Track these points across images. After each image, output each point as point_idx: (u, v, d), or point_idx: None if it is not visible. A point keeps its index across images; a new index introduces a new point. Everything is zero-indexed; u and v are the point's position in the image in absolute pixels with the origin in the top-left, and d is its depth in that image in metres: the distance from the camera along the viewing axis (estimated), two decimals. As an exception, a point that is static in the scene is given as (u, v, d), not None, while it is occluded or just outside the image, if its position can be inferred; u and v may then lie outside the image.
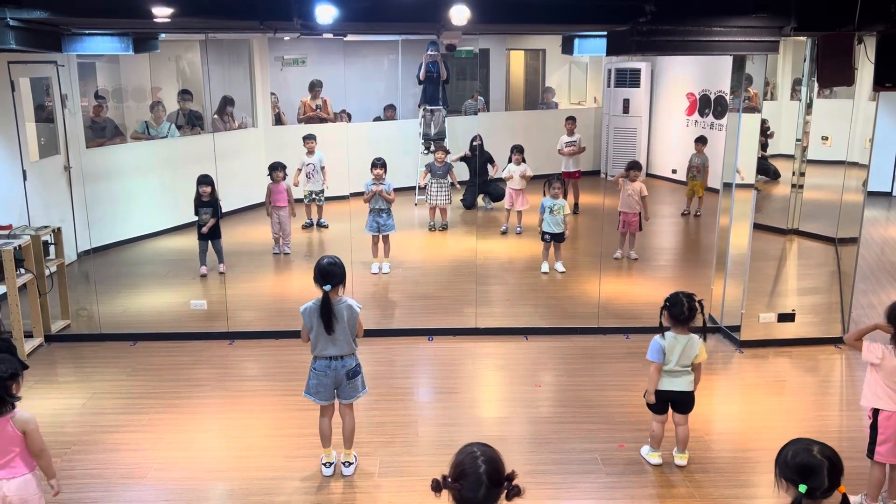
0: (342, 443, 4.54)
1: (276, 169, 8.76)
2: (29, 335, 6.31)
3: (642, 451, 4.68)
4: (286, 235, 8.86)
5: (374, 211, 8.05)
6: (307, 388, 4.45)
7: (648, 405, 4.57)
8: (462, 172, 10.92)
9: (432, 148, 10.98)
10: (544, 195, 8.13)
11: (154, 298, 7.61)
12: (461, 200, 11.02)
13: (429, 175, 9.90)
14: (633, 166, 8.72)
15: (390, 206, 8.07)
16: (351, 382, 4.41)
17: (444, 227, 9.96)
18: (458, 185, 10.18)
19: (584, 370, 5.96)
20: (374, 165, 8.08)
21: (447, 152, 10.05)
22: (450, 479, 2.40)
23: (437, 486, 2.40)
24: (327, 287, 4.22)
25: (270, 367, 6.05)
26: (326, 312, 4.23)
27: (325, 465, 4.49)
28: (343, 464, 4.51)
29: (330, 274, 4.25)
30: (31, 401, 5.38)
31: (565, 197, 8.29)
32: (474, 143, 10.50)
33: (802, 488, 2.52)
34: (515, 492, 2.40)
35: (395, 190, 11.29)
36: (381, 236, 8.13)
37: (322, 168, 9.57)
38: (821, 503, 2.58)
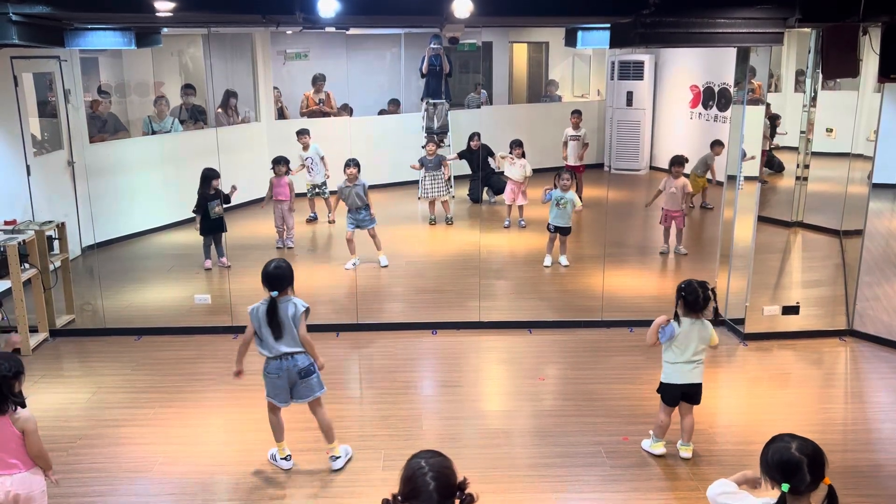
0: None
1: (279, 163, 8.76)
2: (34, 330, 6.33)
3: (644, 445, 4.68)
4: (289, 229, 8.87)
5: (351, 210, 8.02)
6: (267, 391, 4.42)
7: (663, 398, 4.55)
8: (465, 168, 10.92)
9: (435, 140, 10.98)
10: (554, 186, 8.07)
11: (158, 293, 7.62)
12: (468, 195, 11.02)
13: (423, 169, 9.88)
14: (677, 161, 8.47)
15: (367, 203, 8.01)
16: (304, 382, 4.34)
17: (449, 221, 9.93)
18: (451, 179, 10.12)
19: (587, 363, 5.96)
20: (347, 165, 8.00)
21: (438, 145, 10.02)
22: (400, 498, 2.35)
23: None
24: (274, 293, 4.22)
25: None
26: (273, 317, 4.22)
27: (284, 458, 4.48)
28: (330, 458, 4.49)
29: (277, 278, 4.25)
30: (37, 395, 5.41)
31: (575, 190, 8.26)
32: (472, 143, 10.46)
33: (785, 487, 2.53)
34: (468, 500, 2.36)
35: (398, 184, 11.40)
36: (366, 231, 8.09)
37: (322, 158, 9.56)
38: (808, 497, 2.57)
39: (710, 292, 4.39)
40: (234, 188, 7.98)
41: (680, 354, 4.44)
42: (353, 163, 7.97)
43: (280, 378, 4.33)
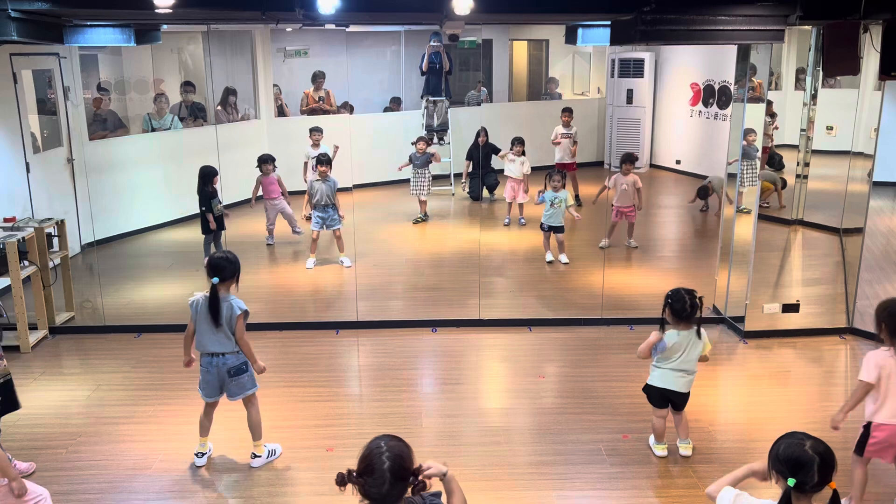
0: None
1: (266, 161, 8.68)
2: (33, 327, 6.33)
3: (650, 441, 4.67)
4: (290, 217, 8.87)
5: (318, 206, 8.01)
6: (199, 384, 4.44)
7: (649, 398, 4.55)
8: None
9: (435, 139, 10.97)
10: (545, 188, 8.12)
11: (158, 290, 7.62)
12: (468, 192, 11.02)
13: (411, 166, 9.86)
14: (627, 159, 8.58)
15: (335, 202, 8.02)
16: (235, 380, 4.36)
17: (424, 218, 9.93)
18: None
19: (587, 361, 5.96)
20: (319, 162, 7.98)
21: (427, 143, 10.03)
22: (355, 474, 2.40)
23: (341, 480, 2.40)
24: (215, 280, 4.23)
25: (274, 358, 6.05)
26: (213, 306, 4.23)
27: (197, 454, 4.49)
28: (251, 455, 4.50)
29: (219, 268, 4.26)
30: (36, 392, 5.41)
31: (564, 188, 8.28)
32: (479, 139, 10.47)
33: (791, 482, 2.53)
34: (421, 486, 2.42)
35: (398, 182, 11.37)
36: (332, 232, 8.09)
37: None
38: (810, 497, 2.58)
39: (697, 300, 4.38)
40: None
41: (666, 361, 4.44)
42: (325, 159, 8.00)
43: (209, 373, 4.35)
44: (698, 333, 4.41)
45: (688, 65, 12.70)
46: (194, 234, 8.23)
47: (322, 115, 11.21)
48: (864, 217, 6.28)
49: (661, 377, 4.47)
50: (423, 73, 11.18)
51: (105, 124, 9.50)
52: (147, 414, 5.12)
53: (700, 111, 12.45)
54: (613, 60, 13.27)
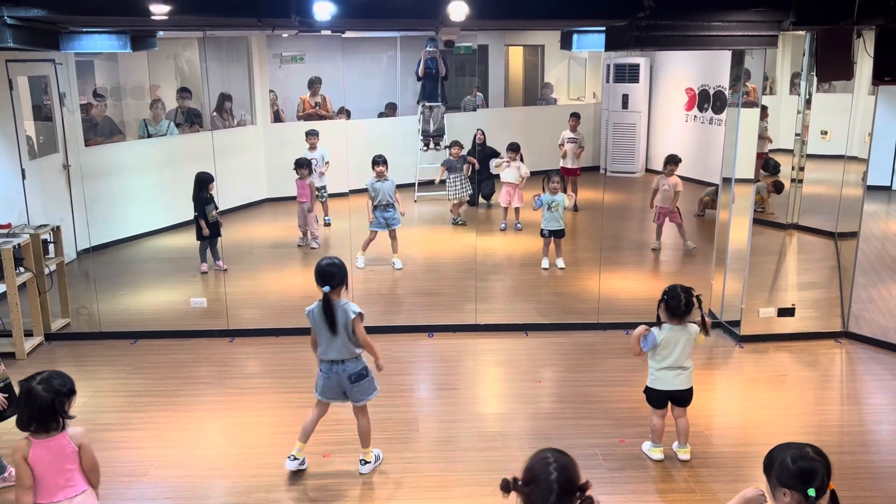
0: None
1: (301, 166, 8.81)
2: (29, 334, 6.31)
3: (644, 448, 4.68)
4: (312, 230, 8.92)
5: (379, 207, 8.06)
6: (316, 387, 4.47)
7: (648, 400, 4.57)
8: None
9: (431, 144, 10.98)
10: (543, 191, 8.12)
11: (154, 296, 7.61)
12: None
13: (446, 171, 9.86)
14: (671, 160, 8.63)
15: (395, 202, 8.09)
16: (356, 386, 4.39)
17: (464, 222, 9.98)
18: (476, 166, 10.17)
19: (584, 366, 5.96)
20: (375, 163, 8.05)
21: (461, 146, 10.06)
22: (520, 483, 2.38)
23: (506, 487, 2.37)
24: (326, 288, 4.22)
25: (271, 364, 6.06)
26: (329, 314, 4.23)
27: (289, 458, 4.45)
28: (360, 461, 4.51)
29: (328, 275, 4.23)
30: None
31: (564, 192, 8.29)
32: (476, 140, 10.50)
33: (811, 492, 2.49)
34: (588, 502, 2.37)
35: (396, 187, 11.39)
36: (388, 232, 8.14)
37: (326, 163, 9.60)
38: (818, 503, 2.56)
39: (694, 299, 4.39)
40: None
41: (662, 361, 4.45)
42: (381, 160, 8.06)
43: (329, 379, 4.37)
44: (706, 332, 4.44)
45: (683, 70, 12.75)
46: (190, 240, 8.22)
47: (318, 120, 11.23)
48: (858, 221, 6.30)
49: (659, 380, 4.48)
50: (419, 79, 11.20)
51: (101, 130, 9.49)
52: (143, 420, 5.11)
53: (695, 116, 12.49)
54: (609, 66, 13.31)
